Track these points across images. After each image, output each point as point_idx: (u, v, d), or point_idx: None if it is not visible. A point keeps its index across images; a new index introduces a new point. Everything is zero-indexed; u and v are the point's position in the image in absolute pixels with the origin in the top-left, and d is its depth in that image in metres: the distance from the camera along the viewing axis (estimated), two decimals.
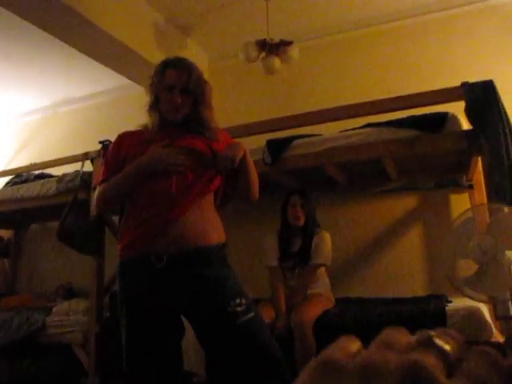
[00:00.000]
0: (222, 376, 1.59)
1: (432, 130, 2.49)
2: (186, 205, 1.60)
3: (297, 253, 2.83)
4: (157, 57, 1.89)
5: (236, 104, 4.11)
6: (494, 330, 2.29)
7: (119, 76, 3.89)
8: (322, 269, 2.86)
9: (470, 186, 3.13)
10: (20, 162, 4.88)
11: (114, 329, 2.66)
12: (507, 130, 2.25)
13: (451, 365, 0.26)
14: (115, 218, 3.06)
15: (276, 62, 3.25)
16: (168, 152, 1.63)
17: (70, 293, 3.97)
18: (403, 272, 3.36)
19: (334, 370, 0.26)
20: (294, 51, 3.28)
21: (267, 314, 2.53)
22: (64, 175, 3.43)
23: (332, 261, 2.86)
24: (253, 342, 1.53)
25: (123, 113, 4.28)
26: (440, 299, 2.69)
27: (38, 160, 4.12)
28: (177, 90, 1.66)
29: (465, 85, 2.42)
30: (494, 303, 2.12)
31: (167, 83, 1.68)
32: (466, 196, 3.18)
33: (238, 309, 1.52)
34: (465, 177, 3.18)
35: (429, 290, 3.19)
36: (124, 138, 1.76)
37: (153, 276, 1.56)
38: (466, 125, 2.47)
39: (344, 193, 3.54)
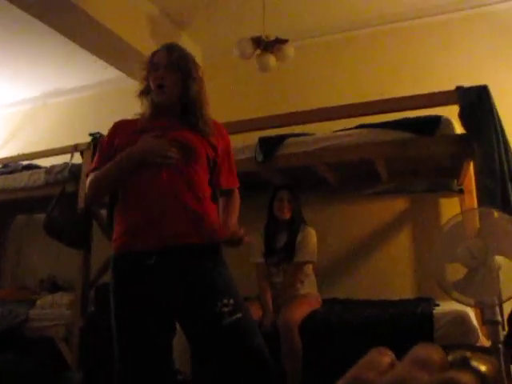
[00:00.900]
0: (209, 376, 1.57)
1: (425, 133, 2.49)
2: (177, 199, 1.56)
3: (282, 248, 2.79)
4: (150, 49, 1.86)
5: (229, 101, 4.07)
6: (480, 334, 2.30)
7: (111, 68, 3.85)
8: (310, 266, 2.82)
9: (461, 191, 3.14)
10: (7, 152, 4.79)
11: (99, 323, 2.62)
12: (500, 136, 2.26)
13: None
14: (103, 212, 3.02)
15: (271, 59, 3.23)
16: (159, 144, 1.59)
17: (54, 286, 3.92)
18: (392, 274, 3.36)
19: None
20: (289, 49, 3.26)
21: (255, 313, 2.50)
22: (53, 166, 3.38)
23: (321, 261, 2.85)
24: (239, 343, 1.50)
25: (114, 106, 4.22)
26: (428, 302, 2.69)
27: (26, 151, 4.06)
28: (161, 67, 1.65)
29: (459, 89, 2.42)
30: (481, 307, 2.12)
31: (153, 63, 1.67)
32: (456, 200, 3.20)
33: (225, 309, 1.49)
34: (456, 181, 3.19)
35: (417, 292, 3.19)
36: (119, 126, 1.73)
37: (143, 273, 1.53)
38: (459, 129, 2.48)
39: (335, 193, 3.53)
